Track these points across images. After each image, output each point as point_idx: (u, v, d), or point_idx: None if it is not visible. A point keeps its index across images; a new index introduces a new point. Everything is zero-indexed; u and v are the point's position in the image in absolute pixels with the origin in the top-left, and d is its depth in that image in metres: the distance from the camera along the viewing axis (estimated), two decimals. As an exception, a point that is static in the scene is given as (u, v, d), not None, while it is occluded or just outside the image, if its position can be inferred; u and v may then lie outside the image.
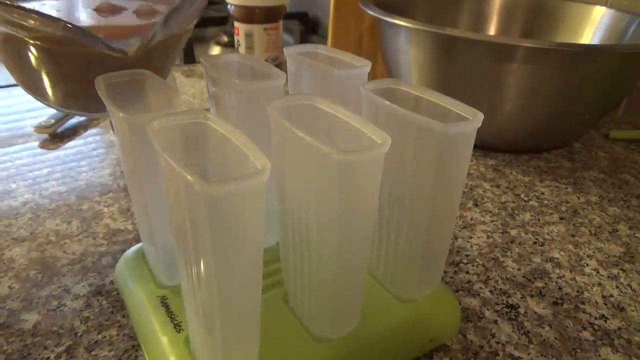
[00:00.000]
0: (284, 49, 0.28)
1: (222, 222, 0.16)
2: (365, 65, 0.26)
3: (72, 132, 0.47)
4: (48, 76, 0.35)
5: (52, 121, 0.47)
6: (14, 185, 0.38)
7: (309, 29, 0.92)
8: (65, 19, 0.29)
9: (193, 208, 0.16)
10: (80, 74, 0.32)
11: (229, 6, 0.65)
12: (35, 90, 0.39)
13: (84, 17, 0.28)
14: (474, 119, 0.21)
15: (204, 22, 0.90)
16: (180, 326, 0.23)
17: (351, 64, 0.27)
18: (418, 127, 0.20)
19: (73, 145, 0.45)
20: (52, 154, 0.43)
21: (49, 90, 0.38)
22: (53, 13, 0.28)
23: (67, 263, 0.30)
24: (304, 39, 0.82)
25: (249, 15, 0.63)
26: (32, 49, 0.24)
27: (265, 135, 0.22)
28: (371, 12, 0.45)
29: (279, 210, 0.23)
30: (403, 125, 0.21)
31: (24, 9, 0.21)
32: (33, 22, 0.21)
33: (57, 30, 0.21)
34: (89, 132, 0.47)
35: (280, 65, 0.66)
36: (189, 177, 0.15)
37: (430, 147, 0.21)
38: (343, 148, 0.20)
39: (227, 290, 0.18)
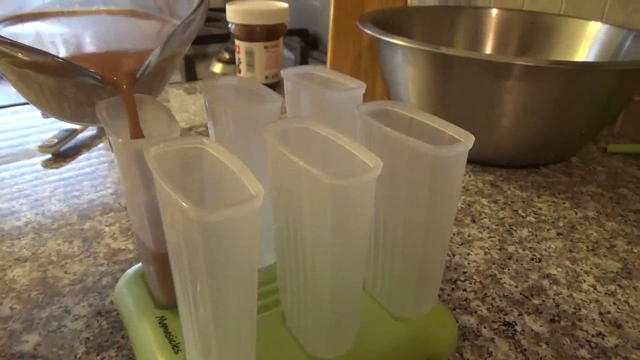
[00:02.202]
0: (281, 71, 0.28)
1: (216, 247, 0.16)
2: (360, 87, 0.26)
3: (75, 151, 0.48)
4: (53, 94, 0.36)
5: (55, 140, 0.47)
6: (17, 205, 0.38)
7: (309, 45, 0.93)
8: (73, 44, 0.30)
9: (187, 233, 0.16)
10: (80, 94, 0.33)
11: (229, 25, 0.66)
12: (46, 107, 0.40)
13: (90, 44, 0.29)
14: (465, 140, 0.21)
15: (206, 39, 0.91)
16: (178, 347, 0.23)
17: (347, 86, 0.27)
18: (410, 150, 0.21)
19: (76, 164, 0.45)
20: (55, 173, 0.44)
21: (58, 107, 0.39)
22: (72, 33, 0.29)
23: (68, 283, 0.30)
24: (304, 55, 0.83)
25: (250, 33, 0.64)
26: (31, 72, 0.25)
27: (262, 156, 0.22)
28: (368, 31, 0.46)
29: (274, 229, 0.23)
30: (396, 148, 0.22)
31: (13, 43, 0.21)
32: (21, 55, 0.21)
33: (46, 62, 0.22)
34: (92, 151, 0.48)
35: (281, 82, 0.67)
36: (183, 204, 0.15)
37: (423, 169, 0.21)
38: (337, 171, 0.20)
39: (222, 312, 0.18)
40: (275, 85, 0.68)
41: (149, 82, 0.31)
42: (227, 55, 0.85)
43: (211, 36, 0.91)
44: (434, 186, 0.21)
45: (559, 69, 0.39)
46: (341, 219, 0.19)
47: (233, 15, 0.64)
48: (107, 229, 0.36)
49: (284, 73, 0.28)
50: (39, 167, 0.45)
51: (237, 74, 0.68)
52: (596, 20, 0.53)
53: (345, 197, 0.18)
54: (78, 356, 0.25)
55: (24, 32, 0.29)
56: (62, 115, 0.36)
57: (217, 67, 0.85)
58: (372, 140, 0.23)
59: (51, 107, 0.34)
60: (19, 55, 0.21)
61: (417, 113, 0.24)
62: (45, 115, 0.54)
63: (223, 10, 0.67)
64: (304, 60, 0.83)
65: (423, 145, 0.20)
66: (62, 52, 0.29)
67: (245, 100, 0.27)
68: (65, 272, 0.31)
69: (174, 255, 0.19)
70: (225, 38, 0.85)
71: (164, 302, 0.26)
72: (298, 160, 0.19)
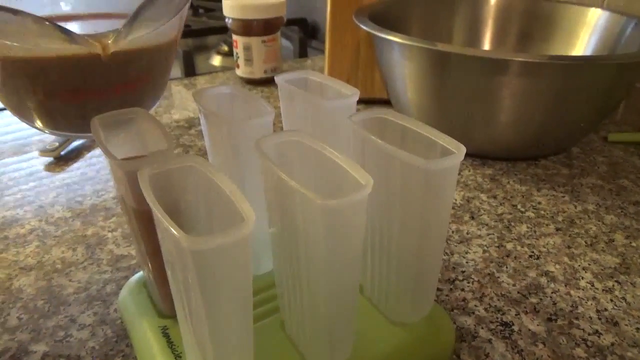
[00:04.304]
0: (275, 77, 0.28)
1: (208, 272, 0.16)
2: (354, 95, 0.26)
3: (76, 154, 0.48)
4: (30, 94, 0.36)
5: (57, 144, 0.48)
6: (21, 212, 0.39)
7: (308, 35, 0.92)
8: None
9: (180, 259, 0.17)
10: (60, 83, 0.32)
11: (226, 19, 0.65)
12: (24, 114, 0.40)
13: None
14: (457, 152, 0.21)
15: (204, 32, 0.91)
16: (180, 357, 0.24)
17: (341, 93, 0.27)
18: (402, 163, 0.21)
19: (77, 168, 0.46)
20: (58, 178, 0.44)
21: (35, 112, 0.39)
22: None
23: (72, 292, 0.31)
24: (303, 45, 0.83)
25: (247, 28, 0.64)
26: (6, 67, 0.25)
27: (257, 166, 0.23)
28: (364, 27, 0.45)
29: (271, 233, 0.24)
30: (388, 159, 0.22)
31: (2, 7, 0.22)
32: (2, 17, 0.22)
33: (28, 23, 0.22)
34: (92, 153, 0.48)
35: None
36: (175, 233, 0.16)
37: (415, 181, 0.21)
38: (329, 187, 0.20)
39: (217, 324, 0.19)
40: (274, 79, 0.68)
41: (136, 69, 0.31)
42: (225, 48, 0.85)
43: (210, 28, 0.91)
44: (427, 198, 0.21)
45: (557, 64, 0.39)
46: (333, 235, 0.19)
47: (229, 9, 0.64)
48: (109, 234, 0.36)
49: (278, 80, 0.28)
50: (42, 172, 0.45)
51: (236, 69, 0.68)
52: (597, 6, 0.53)
53: (336, 216, 0.19)
54: (84, 366, 0.26)
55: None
56: (49, 129, 0.36)
57: (216, 60, 0.84)
58: (365, 151, 0.23)
59: (37, 123, 0.34)
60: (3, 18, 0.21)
61: (410, 122, 0.24)
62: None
63: (220, 0, 0.66)
64: (302, 51, 0.83)
65: (415, 159, 0.20)
66: None
67: (239, 111, 0.27)
68: (70, 280, 0.32)
69: (169, 267, 0.19)
70: (223, 30, 0.85)
71: (165, 311, 0.26)
72: (288, 180, 0.19)
